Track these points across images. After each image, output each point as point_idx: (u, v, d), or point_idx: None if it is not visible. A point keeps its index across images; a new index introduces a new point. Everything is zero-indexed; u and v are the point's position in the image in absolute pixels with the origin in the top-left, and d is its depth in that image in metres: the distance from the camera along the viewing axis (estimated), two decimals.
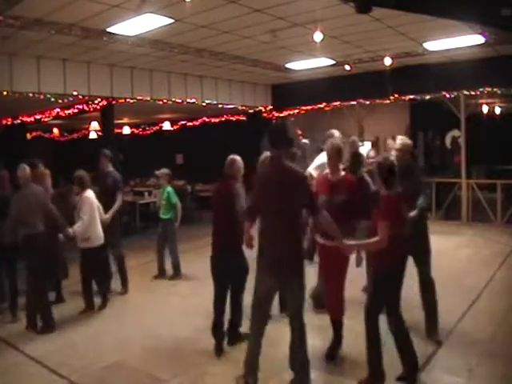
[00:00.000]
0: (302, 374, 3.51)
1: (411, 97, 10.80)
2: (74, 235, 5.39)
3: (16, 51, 7.88)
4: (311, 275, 4.36)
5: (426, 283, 4.34)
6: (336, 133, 5.41)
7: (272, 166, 3.54)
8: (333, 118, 12.72)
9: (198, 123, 15.22)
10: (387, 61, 9.05)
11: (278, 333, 4.12)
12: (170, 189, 7.01)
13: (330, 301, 4.21)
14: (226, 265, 4.31)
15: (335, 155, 4.11)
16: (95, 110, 9.79)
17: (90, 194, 5.65)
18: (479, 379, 3.73)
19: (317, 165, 5.29)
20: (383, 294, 3.60)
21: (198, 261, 7.68)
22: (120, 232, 6.58)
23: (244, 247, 4.30)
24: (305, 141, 8.31)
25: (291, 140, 3.61)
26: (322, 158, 5.14)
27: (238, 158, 4.48)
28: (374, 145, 12.35)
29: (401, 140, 4.49)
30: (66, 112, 10.55)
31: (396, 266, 3.55)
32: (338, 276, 4.07)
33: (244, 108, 12.81)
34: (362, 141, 10.43)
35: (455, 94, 10.17)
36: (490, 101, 12.52)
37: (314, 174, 5.19)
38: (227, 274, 4.35)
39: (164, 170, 7.18)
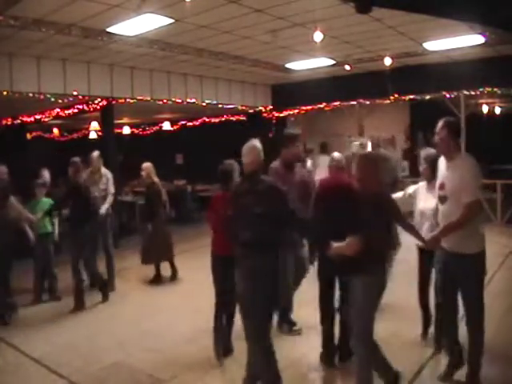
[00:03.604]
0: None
1: (411, 97, 10.79)
2: None
3: (16, 51, 7.87)
4: None
5: None
6: None
7: None
8: (333, 117, 12.75)
9: (198, 123, 15.21)
10: (387, 61, 9.05)
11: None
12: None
13: None
14: None
15: None
16: (95, 110, 9.78)
17: None
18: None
19: None
20: None
21: (198, 261, 7.70)
22: (92, 246, 5.95)
23: None
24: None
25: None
26: None
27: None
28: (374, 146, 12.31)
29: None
30: (66, 112, 10.53)
31: None
32: None
33: (244, 108, 12.80)
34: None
35: (455, 94, 10.17)
36: (490, 101, 12.52)
37: None
38: None
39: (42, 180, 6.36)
